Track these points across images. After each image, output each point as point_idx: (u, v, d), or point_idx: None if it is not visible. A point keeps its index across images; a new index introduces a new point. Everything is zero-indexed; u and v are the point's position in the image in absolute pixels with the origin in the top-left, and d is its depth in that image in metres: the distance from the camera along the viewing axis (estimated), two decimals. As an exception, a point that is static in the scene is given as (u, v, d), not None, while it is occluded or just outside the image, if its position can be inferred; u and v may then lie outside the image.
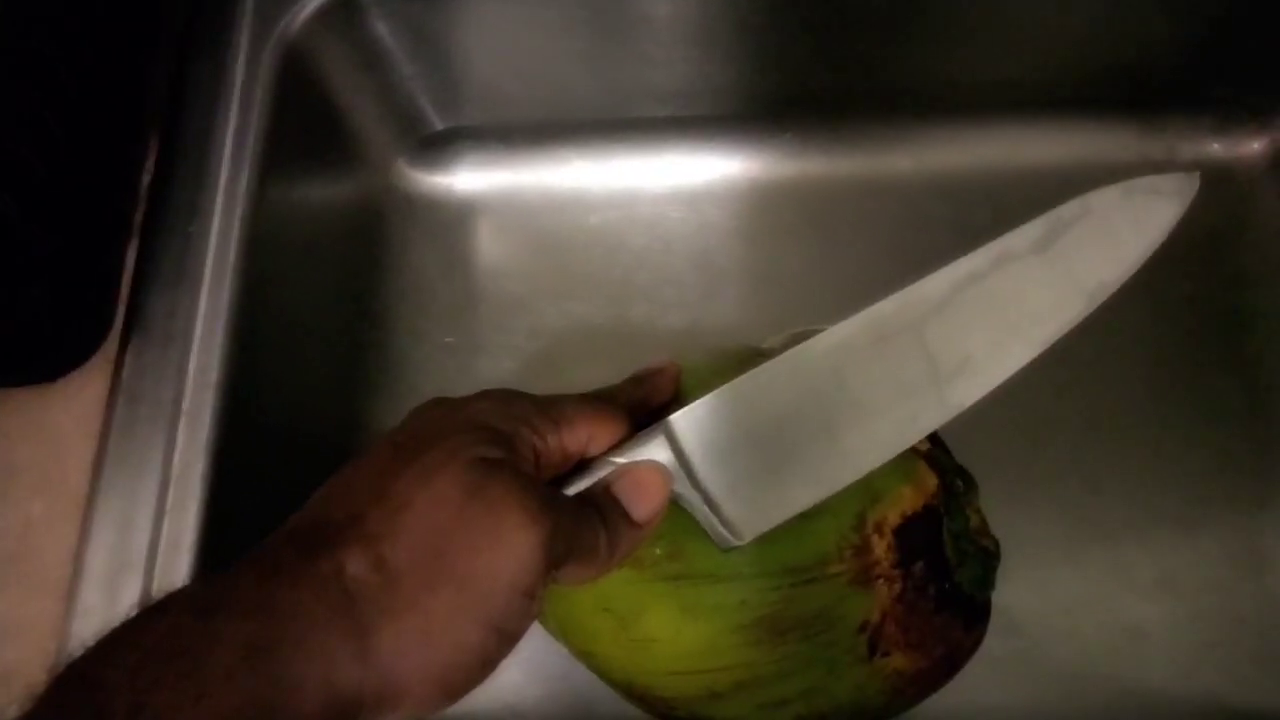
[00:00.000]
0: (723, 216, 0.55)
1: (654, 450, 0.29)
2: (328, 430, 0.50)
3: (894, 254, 0.54)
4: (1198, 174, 0.32)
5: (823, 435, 0.29)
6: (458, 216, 0.56)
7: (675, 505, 0.30)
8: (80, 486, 0.38)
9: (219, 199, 0.43)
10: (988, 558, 0.36)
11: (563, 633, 0.37)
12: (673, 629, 0.33)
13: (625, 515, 0.28)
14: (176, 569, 0.36)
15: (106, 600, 0.36)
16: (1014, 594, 0.44)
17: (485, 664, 0.25)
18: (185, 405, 0.39)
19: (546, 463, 0.28)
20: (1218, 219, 0.53)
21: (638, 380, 0.33)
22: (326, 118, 0.51)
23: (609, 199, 0.56)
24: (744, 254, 0.55)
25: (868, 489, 0.33)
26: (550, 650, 0.40)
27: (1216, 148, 0.55)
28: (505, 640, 0.25)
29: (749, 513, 0.29)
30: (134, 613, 0.22)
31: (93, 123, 0.41)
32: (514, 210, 0.57)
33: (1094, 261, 0.31)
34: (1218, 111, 0.55)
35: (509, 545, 0.24)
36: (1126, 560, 0.47)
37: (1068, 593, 0.46)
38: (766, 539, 0.32)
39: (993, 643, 0.37)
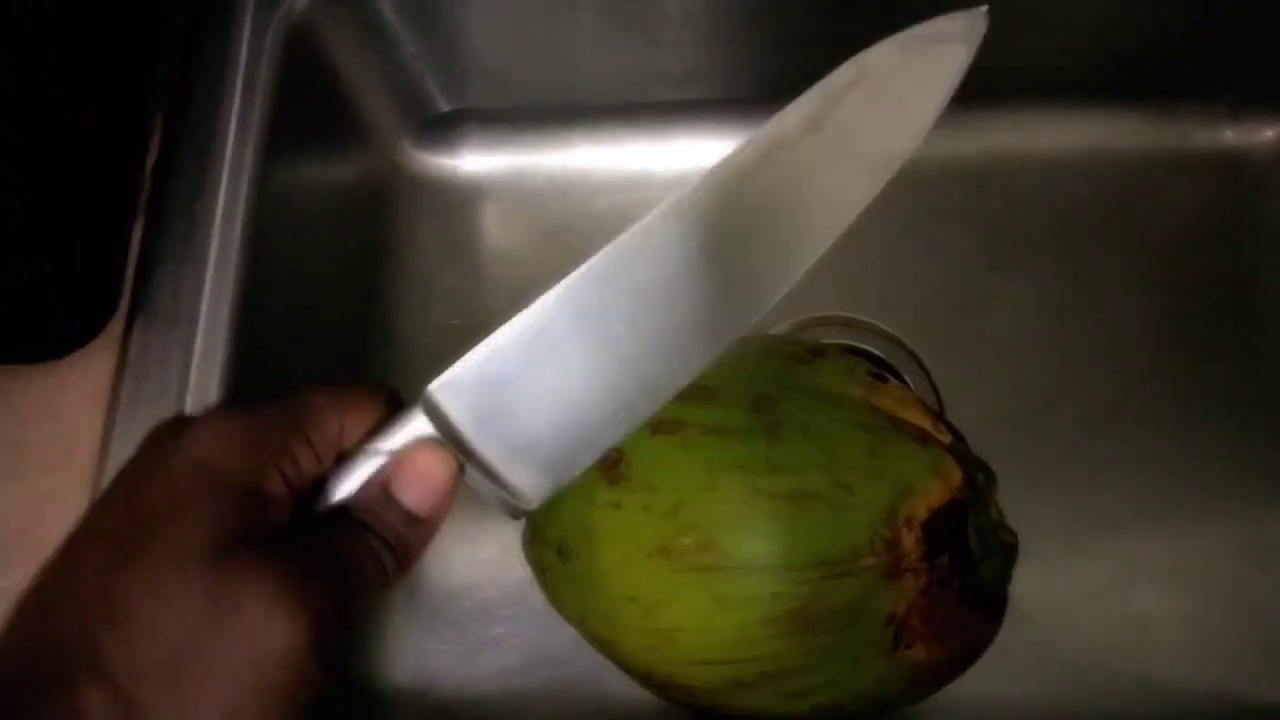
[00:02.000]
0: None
1: (417, 427, 0.25)
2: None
3: (904, 241, 0.54)
4: (985, 10, 0.28)
5: (599, 376, 0.25)
6: (463, 199, 0.56)
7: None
8: (89, 463, 0.38)
9: (224, 178, 0.43)
10: (1008, 551, 0.36)
11: (582, 621, 0.37)
12: (702, 619, 0.32)
13: (408, 515, 0.24)
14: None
15: (114, 579, 0.36)
16: (1021, 584, 0.43)
17: None
18: (191, 383, 0.39)
19: (302, 481, 0.24)
20: (1231, 207, 0.53)
21: None
22: (331, 98, 0.51)
23: (616, 183, 0.56)
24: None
25: (898, 482, 0.32)
26: (554, 633, 0.40)
27: (1230, 135, 0.55)
28: None
29: (536, 476, 0.25)
30: None
31: (98, 101, 0.41)
32: (520, 193, 0.56)
33: (877, 131, 0.27)
34: (1231, 99, 0.54)
35: (270, 649, 0.21)
36: (1134, 551, 0.47)
37: (1075, 583, 0.46)
38: (802, 531, 0.31)
39: (1000, 633, 0.37)
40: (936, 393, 0.50)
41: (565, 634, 0.38)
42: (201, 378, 0.39)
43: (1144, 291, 0.52)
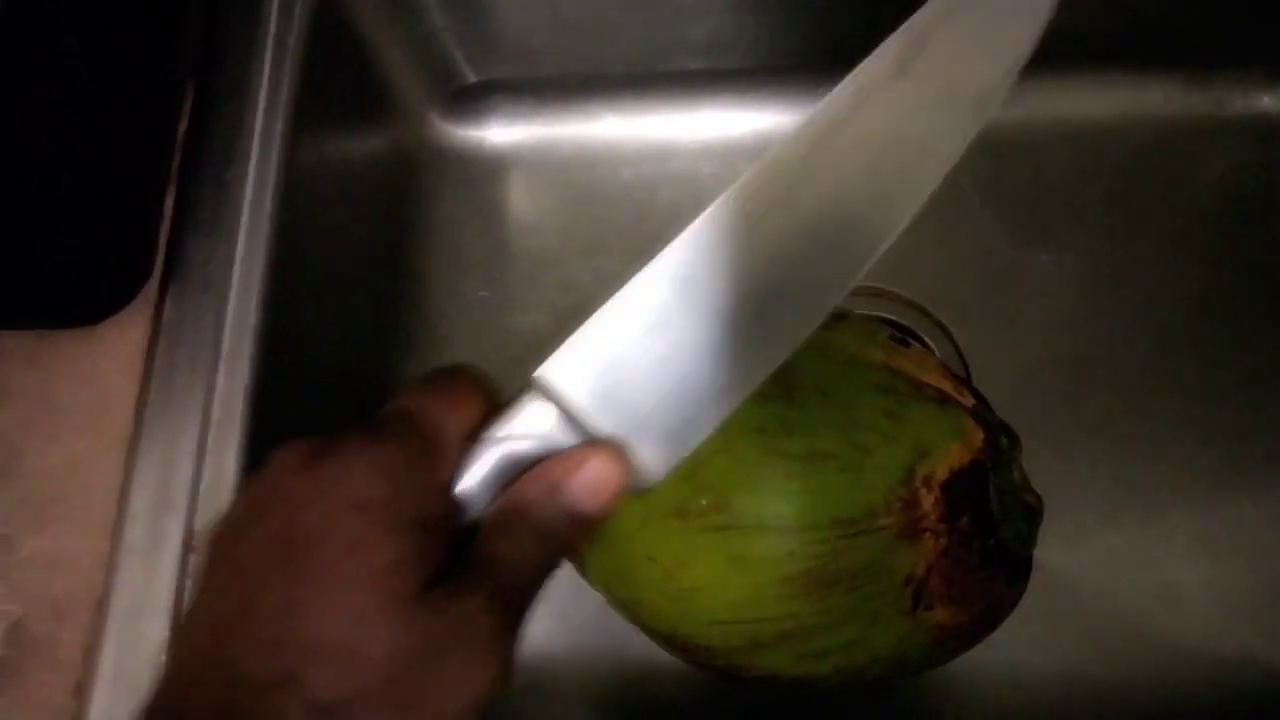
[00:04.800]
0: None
1: (535, 413, 0.24)
2: (363, 374, 0.50)
3: (932, 211, 0.53)
4: None
5: (709, 345, 0.25)
6: (490, 170, 0.56)
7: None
8: (124, 427, 0.38)
9: (254, 148, 0.43)
10: (1031, 513, 0.36)
11: (605, 583, 0.37)
12: (719, 579, 0.33)
13: (573, 515, 0.24)
14: (218, 507, 0.37)
15: (150, 537, 0.36)
16: (1050, 551, 0.44)
17: None
18: (224, 349, 0.39)
19: (448, 509, 0.24)
20: (1267, 175, 0.52)
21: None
22: (360, 68, 0.51)
23: (642, 153, 0.56)
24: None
25: (916, 443, 0.32)
26: (583, 598, 0.40)
27: (1267, 101, 0.54)
28: None
29: (660, 448, 0.25)
30: None
31: (128, 69, 0.41)
32: (547, 164, 0.56)
33: (970, 68, 0.26)
34: (1268, 64, 0.53)
35: (471, 686, 0.22)
36: (1164, 519, 0.47)
37: (1104, 551, 0.46)
38: (816, 491, 0.31)
39: (1027, 600, 0.37)
40: (964, 362, 0.50)
41: (589, 600, 0.38)
42: (234, 343, 0.40)
43: (1176, 261, 0.51)
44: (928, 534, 0.32)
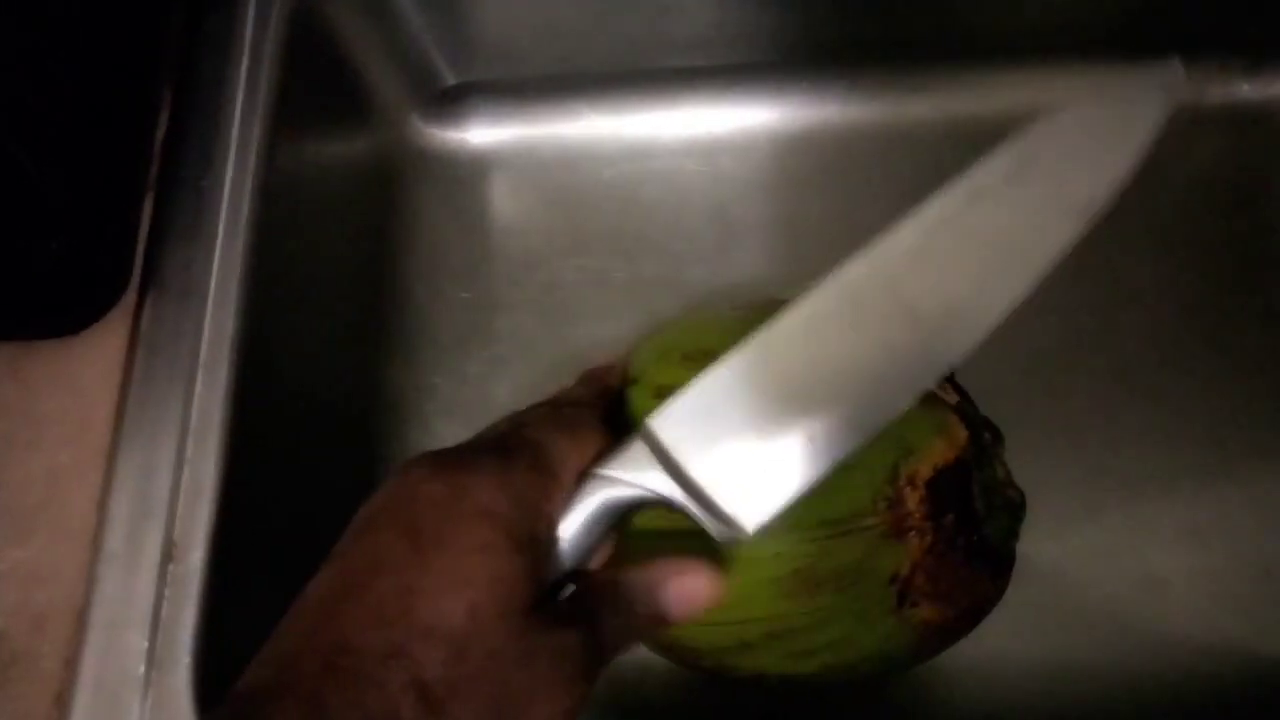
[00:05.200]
0: (739, 168, 0.55)
1: (636, 457, 0.27)
2: (344, 382, 0.50)
3: (915, 203, 0.53)
4: (1178, 62, 0.28)
5: (810, 412, 0.27)
6: (472, 171, 0.56)
7: None
8: (104, 436, 0.38)
9: (232, 153, 0.43)
10: (1014, 509, 0.36)
11: None
12: None
13: (658, 616, 0.27)
14: (197, 516, 0.37)
15: (130, 546, 0.36)
16: (1034, 544, 0.43)
17: None
18: (203, 357, 0.39)
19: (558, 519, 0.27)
20: (1249, 163, 0.52)
21: (587, 380, 0.32)
22: (338, 71, 0.51)
23: (624, 152, 0.56)
24: (761, 206, 0.54)
25: (900, 441, 0.32)
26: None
27: (1248, 89, 0.54)
28: None
29: (747, 503, 0.27)
30: None
31: (105, 77, 0.41)
32: (528, 165, 0.56)
33: (1077, 176, 0.27)
34: (1250, 52, 0.53)
35: (557, 708, 0.24)
36: (1148, 510, 0.47)
37: (1088, 542, 0.46)
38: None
39: (1012, 592, 0.37)
40: (948, 356, 0.50)
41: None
42: (212, 350, 0.40)
43: (1159, 250, 0.51)
44: (913, 533, 0.32)
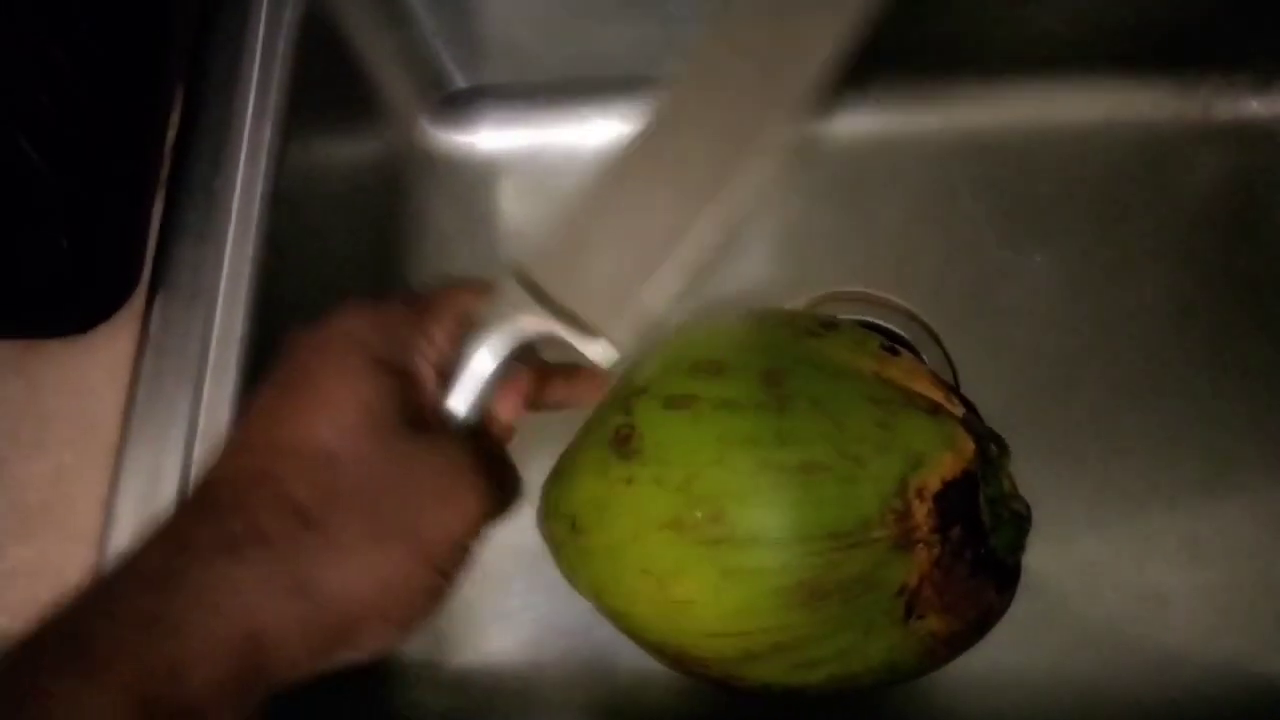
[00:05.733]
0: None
1: (510, 295, 0.28)
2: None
3: (921, 214, 0.53)
4: None
5: (665, 222, 0.28)
6: (480, 176, 0.56)
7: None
8: (110, 436, 0.38)
9: (242, 155, 0.43)
10: (1020, 521, 0.36)
11: (596, 594, 0.37)
12: (712, 592, 0.33)
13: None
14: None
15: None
16: (1036, 556, 0.43)
17: (435, 599, 0.26)
18: (211, 359, 0.39)
19: (441, 362, 0.28)
20: (1255, 179, 0.52)
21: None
22: (349, 74, 0.51)
23: (632, 158, 0.56)
24: (769, 214, 0.54)
25: (908, 454, 0.33)
26: (568, 606, 0.40)
27: (1255, 105, 0.54)
28: (450, 581, 0.26)
29: (616, 319, 0.28)
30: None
31: (117, 77, 0.41)
32: (537, 170, 0.56)
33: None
34: (1256, 68, 0.53)
35: (455, 508, 0.25)
36: (1150, 524, 0.47)
37: (1090, 556, 0.46)
38: (811, 503, 0.31)
39: (1014, 605, 0.37)
40: (952, 367, 0.50)
41: (578, 607, 0.38)
42: (221, 352, 0.40)
43: (1163, 265, 0.51)
44: (920, 545, 0.32)
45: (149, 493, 0.37)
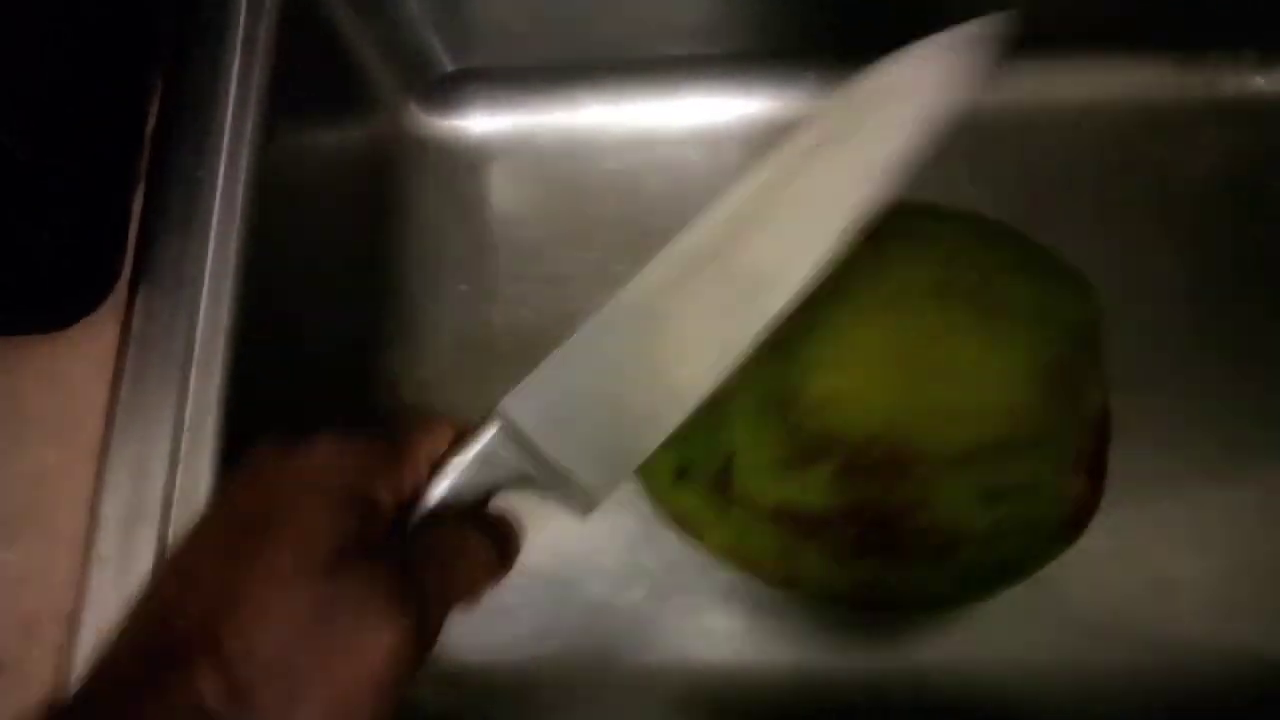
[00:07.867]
0: (744, 158, 0.54)
1: (491, 438, 0.28)
2: (341, 374, 0.49)
3: (918, 195, 0.52)
4: (1014, 13, 0.30)
5: (653, 378, 0.28)
6: (470, 161, 0.55)
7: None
8: (94, 435, 0.37)
9: (224, 143, 0.42)
10: None
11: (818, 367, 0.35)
12: (976, 355, 0.32)
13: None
14: (191, 517, 0.36)
15: (122, 549, 0.35)
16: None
17: None
18: (196, 352, 0.38)
19: (402, 494, 0.27)
20: (1261, 156, 0.52)
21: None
22: (334, 59, 0.50)
23: (626, 142, 0.55)
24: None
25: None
26: (569, 602, 0.40)
27: (1260, 82, 0.53)
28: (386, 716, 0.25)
29: (600, 476, 0.28)
30: None
31: (96, 65, 0.40)
32: (528, 154, 0.55)
33: (888, 133, 0.29)
34: (1261, 44, 0.52)
35: (373, 651, 0.24)
36: (1155, 512, 0.46)
37: (1097, 543, 0.45)
38: (1049, 293, 0.34)
39: (1018, 592, 0.36)
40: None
41: (577, 603, 0.38)
42: (206, 345, 0.39)
43: (1168, 244, 0.51)
44: (1097, 388, 0.34)
45: (134, 493, 0.36)
